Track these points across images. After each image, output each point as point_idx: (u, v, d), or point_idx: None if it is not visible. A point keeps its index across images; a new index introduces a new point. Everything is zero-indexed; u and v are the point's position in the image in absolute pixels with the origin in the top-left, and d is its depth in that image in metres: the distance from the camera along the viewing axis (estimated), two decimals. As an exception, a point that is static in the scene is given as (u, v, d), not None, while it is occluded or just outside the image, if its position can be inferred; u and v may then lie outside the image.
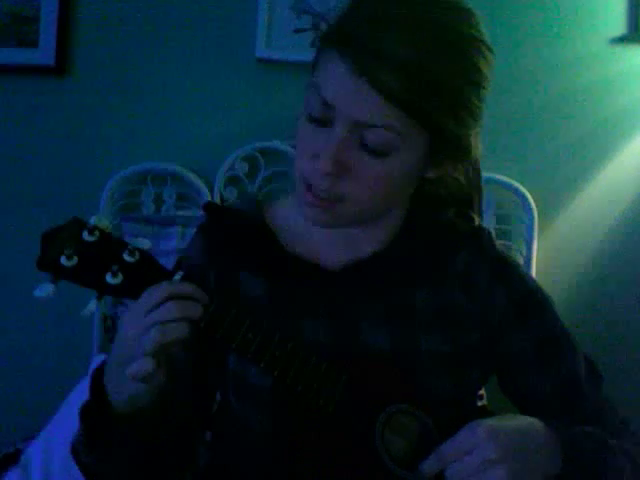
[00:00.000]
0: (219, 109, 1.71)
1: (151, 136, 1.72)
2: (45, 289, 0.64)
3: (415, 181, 0.76)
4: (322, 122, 0.68)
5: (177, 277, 0.66)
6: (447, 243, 0.82)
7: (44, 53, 1.68)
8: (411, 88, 0.63)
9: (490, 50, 0.70)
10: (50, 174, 1.73)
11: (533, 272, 1.65)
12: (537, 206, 1.65)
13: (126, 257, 0.65)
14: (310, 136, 0.70)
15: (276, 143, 1.67)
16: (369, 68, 0.63)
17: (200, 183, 1.67)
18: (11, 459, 1.38)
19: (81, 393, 1.48)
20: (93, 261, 0.65)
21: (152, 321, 0.62)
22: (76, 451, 0.70)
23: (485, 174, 1.63)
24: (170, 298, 0.63)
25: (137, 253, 0.66)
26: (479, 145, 0.78)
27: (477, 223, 0.86)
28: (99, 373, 0.69)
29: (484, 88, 0.70)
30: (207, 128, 1.72)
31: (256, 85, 1.71)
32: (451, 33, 0.66)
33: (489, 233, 0.86)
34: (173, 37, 1.71)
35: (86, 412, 0.68)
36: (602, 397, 0.82)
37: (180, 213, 1.65)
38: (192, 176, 1.68)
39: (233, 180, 1.69)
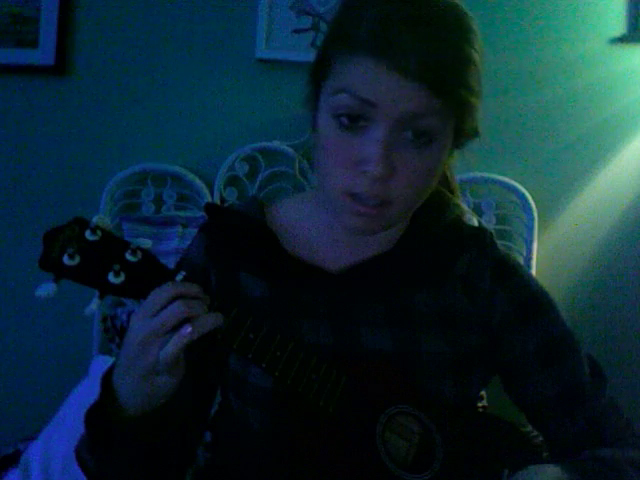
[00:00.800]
0: (219, 109, 1.71)
1: (151, 136, 1.72)
2: (47, 288, 0.64)
3: (442, 170, 0.77)
4: (356, 123, 0.68)
5: (179, 277, 0.66)
6: (450, 245, 0.82)
7: (44, 53, 1.68)
8: (440, 73, 0.65)
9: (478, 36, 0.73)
10: (50, 174, 1.73)
11: (533, 272, 1.65)
12: (537, 206, 1.65)
13: (128, 256, 0.65)
14: (346, 142, 0.69)
15: (276, 143, 1.67)
16: (400, 62, 0.64)
17: (200, 183, 1.68)
18: (11, 460, 1.38)
19: (81, 393, 1.47)
20: (95, 260, 0.65)
21: (161, 322, 0.62)
22: (79, 453, 0.70)
23: (485, 174, 1.65)
24: (176, 298, 0.63)
25: (139, 252, 0.66)
26: None
27: (462, 211, 0.86)
28: (107, 377, 0.68)
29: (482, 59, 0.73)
30: (207, 128, 1.72)
31: (256, 85, 1.71)
32: (459, 17, 0.68)
33: (491, 234, 0.86)
34: (173, 37, 1.71)
35: (91, 414, 0.68)
36: (606, 399, 0.81)
37: (180, 214, 1.65)
38: (192, 177, 1.68)
39: (233, 180, 1.69)
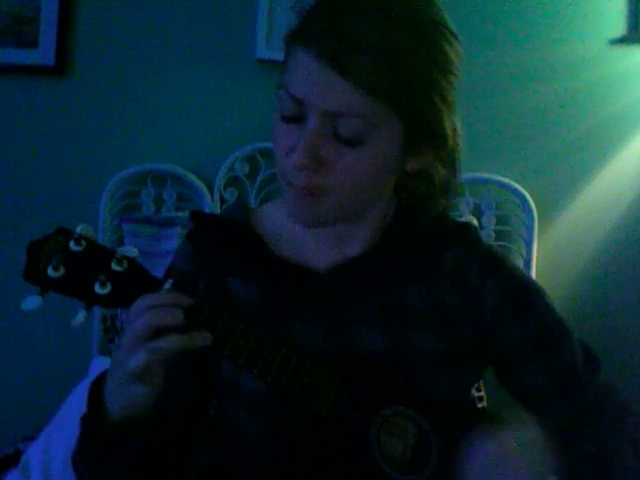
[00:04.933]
0: (219, 109, 1.71)
1: (151, 136, 1.72)
2: (32, 302, 0.62)
3: (395, 172, 0.75)
4: (294, 119, 0.69)
5: (167, 285, 0.65)
6: (435, 240, 0.82)
7: (44, 53, 1.68)
8: (378, 71, 0.63)
9: (455, 37, 0.70)
10: (50, 174, 1.72)
11: (533, 272, 1.65)
12: (537, 206, 1.65)
13: (114, 266, 0.64)
14: (284, 133, 0.70)
15: (276, 144, 1.67)
16: (334, 55, 0.63)
17: (200, 184, 1.67)
18: (11, 460, 1.38)
19: (81, 394, 1.47)
20: (81, 271, 0.63)
21: (133, 329, 0.62)
22: (74, 458, 0.70)
23: (485, 175, 1.65)
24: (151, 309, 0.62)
25: (125, 262, 0.64)
26: (458, 136, 0.77)
27: (444, 207, 0.85)
28: (99, 382, 0.68)
29: (453, 74, 0.70)
30: (207, 128, 1.71)
31: (256, 85, 1.70)
32: (413, 17, 0.66)
33: (476, 228, 0.86)
34: (173, 37, 1.71)
35: (84, 419, 0.68)
36: (600, 383, 0.82)
37: (180, 214, 1.65)
38: (192, 177, 1.67)
39: (233, 181, 1.69)
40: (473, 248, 0.83)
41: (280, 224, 0.82)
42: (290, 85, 0.68)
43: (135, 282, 0.64)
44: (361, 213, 0.78)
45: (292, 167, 0.68)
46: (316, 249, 0.80)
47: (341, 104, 0.65)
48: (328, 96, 0.65)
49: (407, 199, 0.83)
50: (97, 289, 0.63)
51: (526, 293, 0.83)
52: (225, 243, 0.81)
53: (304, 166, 0.67)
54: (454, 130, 0.75)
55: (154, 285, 0.65)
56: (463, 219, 0.88)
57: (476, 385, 1.43)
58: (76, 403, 1.44)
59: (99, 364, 1.54)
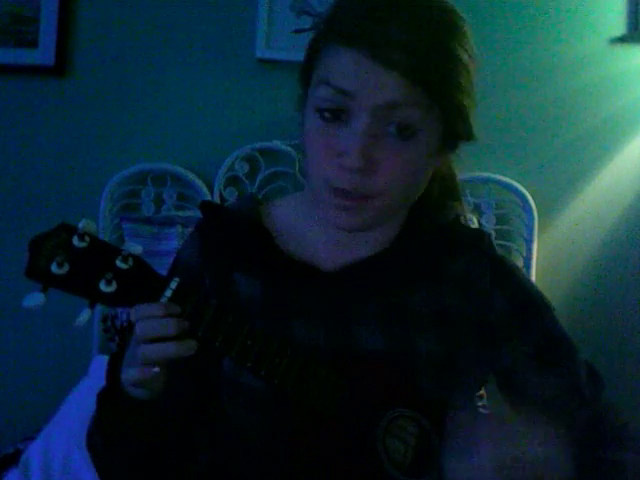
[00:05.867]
0: (219, 109, 1.71)
1: (151, 136, 1.72)
2: (35, 299, 0.61)
3: (432, 169, 0.75)
4: (337, 117, 0.67)
5: (173, 284, 0.64)
6: (446, 246, 0.82)
7: (44, 53, 1.68)
8: (423, 64, 0.64)
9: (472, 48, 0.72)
10: (50, 174, 1.73)
11: (533, 272, 1.65)
12: (537, 206, 1.65)
13: (120, 264, 0.63)
14: (328, 135, 0.68)
15: (276, 143, 1.67)
16: (381, 51, 0.64)
17: (200, 183, 1.68)
18: (11, 459, 1.38)
19: (81, 393, 1.48)
20: (85, 268, 0.62)
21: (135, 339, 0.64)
22: (90, 435, 0.72)
23: (485, 174, 1.65)
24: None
25: (131, 259, 0.63)
26: None
27: (462, 210, 0.85)
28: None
29: (475, 66, 0.72)
30: (207, 128, 1.72)
31: (256, 85, 1.71)
32: (446, 13, 0.69)
33: (489, 237, 0.85)
34: (173, 37, 1.71)
35: (103, 394, 0.70)
36: (602, 402, 0.81)
37: (180, 213, 1.65)
38: (192, 176, 1.68)
39: (233, 180, 1.69)
40: (484, 255, 0.83)
41: (291, 221, 0.82)
42: (335, 79, 0.66)
43: (141, 280, 0.64)
44: (397, 214, 0.78)
45: (340, 170, 0.67)
46: (326, 249, 0.80)
47: (394, 94, 0.65)
48: (379, 89, 0.65)
49: (422, 202, 0.83)
50: (102, 287, 0.62)
51: (533, 303, 0.82)
52: (233, 237, 0.81)
53: (361, 170, 0.66)
54: None
55: (160, 283, 0.64)
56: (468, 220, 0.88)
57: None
58: (76, 403, 1.44)
59: (99, 363, 1.54)
